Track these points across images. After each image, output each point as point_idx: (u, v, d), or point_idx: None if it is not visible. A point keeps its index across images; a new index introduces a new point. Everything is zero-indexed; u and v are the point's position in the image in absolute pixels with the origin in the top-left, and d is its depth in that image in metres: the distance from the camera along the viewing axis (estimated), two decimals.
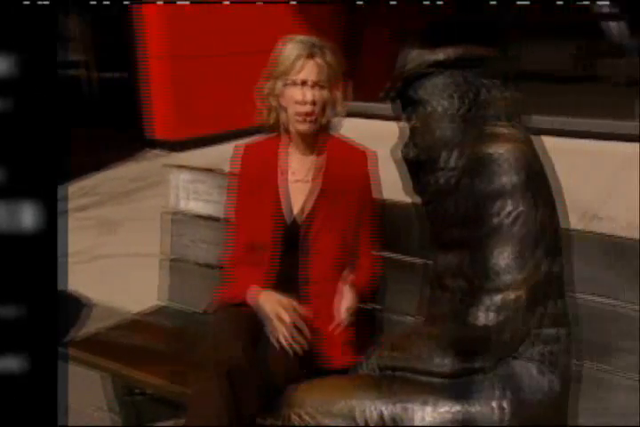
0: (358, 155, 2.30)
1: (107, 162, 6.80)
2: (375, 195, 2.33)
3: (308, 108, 2.16)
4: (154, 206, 5.16)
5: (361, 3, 8.29)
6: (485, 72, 1.85)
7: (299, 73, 2.14)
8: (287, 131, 2.27)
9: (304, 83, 2.15)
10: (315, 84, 2.16)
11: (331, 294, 2.22)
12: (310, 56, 2.15)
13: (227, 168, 2.90)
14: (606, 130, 7.02)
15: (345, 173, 2.24)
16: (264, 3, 7.42)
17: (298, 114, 2.17)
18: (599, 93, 8.12)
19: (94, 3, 7.48)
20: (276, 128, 2.30)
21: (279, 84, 2.19)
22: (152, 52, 7.18)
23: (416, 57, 1.87)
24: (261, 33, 7.38)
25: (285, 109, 2.22)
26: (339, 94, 2.24)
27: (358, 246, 2.29)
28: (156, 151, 7.29)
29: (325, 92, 2.18)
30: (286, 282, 2.26)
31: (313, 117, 2.17)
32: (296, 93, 2.16)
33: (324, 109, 2.20)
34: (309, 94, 2.15)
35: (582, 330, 1.99)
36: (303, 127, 2.19)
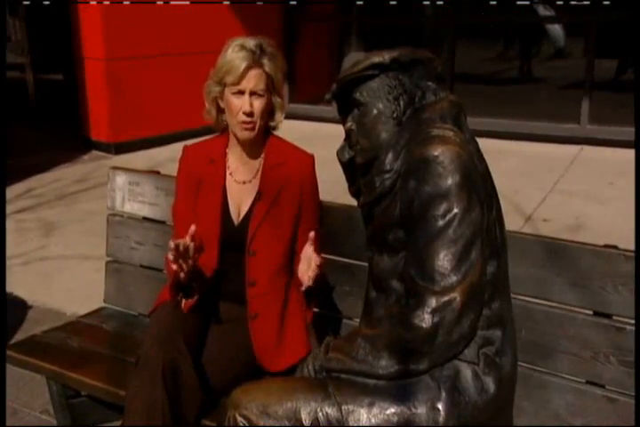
0: (300, 157, 2.29)
1: (48, 164, 6.67)
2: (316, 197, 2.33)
3: (247, 117, 2.14)
4: (96, 208, 5.12)
5: (295, 2, 8.32)
6: (421, 75, 1.86)
7: (239, 82, 2.13)
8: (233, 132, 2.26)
9: (243, 92, 2.14)
10: (254, 93, 2.14)
11: (270, 295, 2.22)
12: (252, 65, 2.12)
13: (168, 170, 2.88)
14: (550, 132, 7.19)
15: (282, 176, 2.23)
16: (200, 3, 7.38)
17: (238, 122, 2.16)
18: (542, 96, 8.30)
19: (27, 3, 7.33)
20: (223, 127, 2.29)
21: (221, 88, 2.18)
22: (87, 53, 7.05)
23: (353, 60, 1.88)
24: (200, 34, 7.36)
25: (227, 113, 2.21)
26: (278, 100, 2.24)
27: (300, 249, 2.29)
28: (99, 153, 7.18)
29: (265, 100, 2.17)
30: (228, 283, 2.25)
31: (252, 126, 2.16)
32: (236, 102, 2.15)
33: (263, 117, 2.19)
34: (248, 104, 2.13)
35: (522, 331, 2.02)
36: (242, 135, 2.18)
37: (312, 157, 2.29)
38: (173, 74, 7.31)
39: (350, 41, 8.70)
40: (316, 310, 2.37)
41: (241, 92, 2.14)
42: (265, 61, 2.15)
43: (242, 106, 2.14)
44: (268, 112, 2.23)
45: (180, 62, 7.31)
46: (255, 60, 2.13)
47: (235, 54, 2.13)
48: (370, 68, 1.82)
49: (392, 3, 7.96)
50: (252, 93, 2.14)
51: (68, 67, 7.60)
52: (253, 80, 2.13)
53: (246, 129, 2.17)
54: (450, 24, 7.76)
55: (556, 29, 8.99)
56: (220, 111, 2.25)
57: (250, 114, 2.14)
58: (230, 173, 2.27)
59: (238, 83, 2.13)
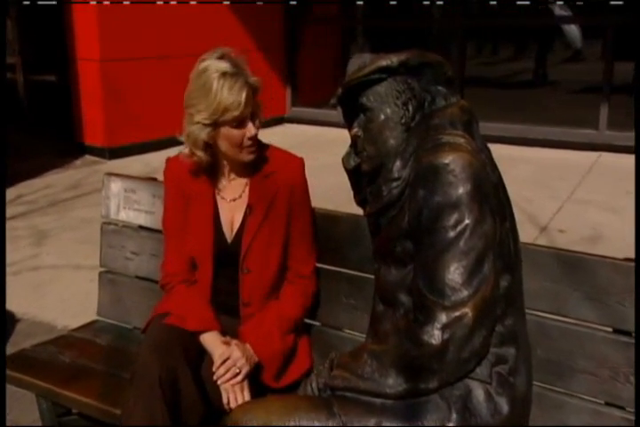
0: (288, 161, 2.26)
1: (39, 169, 6.69)
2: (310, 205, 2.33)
3: (252, 141, 2.12)
4: (90, 216, 5.14)
5: (295, 2, 8.34)
6: (430, 79, 1.86)
7: (242, 111, 2.05)
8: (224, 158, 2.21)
9: (244, 121, 2.08)
10: (252, 115, 2.10)
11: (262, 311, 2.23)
12: (247, 88, 2.04)
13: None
14: (566, 138, 7.17)
15: (272, 185, 2.21)
16: (199, 3, 7.39)
17: (245, 149, 2.13)
18: (558, 100, 8.30)
19: (27, 3, 7.36)
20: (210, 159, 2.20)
21: (213, 128, 2.08)
22: (82, 53, 7.07)
23: (359, 63, 1.88)
24: (199, 35, 7.39)
25: (223, 146, 2.14)
26: (257, 102, 2.14)
27: (295, 260, 2.29)
28: (93, 158, 7.19)
29: (256, 115, 2.13)
30: (224, 297, 2.26)
31: (256, 148, 2.15)
32: (238, 133, 2.09)
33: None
34: (253, 129, 2.10)
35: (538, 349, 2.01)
36: (249, 157, 2.16)
37: (301, 160, 2.27)
38: (171, 76, 7.31)
39: (355, 42, 8.73)
40: (319, 323, 2.37)
41: (242, 122, 2.09)
42: (245, 76, 2.07)
43: (245, 133, 2.10)
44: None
45: (178, 64, 7.30)
46: (247, 82, 2.06)
47: (226, 90, 2.02)
48: (377, 71, 1.83)
49: (392, 3, 7.98)
50: (251, 116, 2.10)
51: (61, 68, 7.62)
52: (248, 103, 2.06)
53: (252, 152, 2.15)
54: (458, 25, 7.77)
55: (572, 30, 8.99)
56: (209, 148, 2.16)
57: (254, 137, 2.11)
58: (219, 193, 2.26)
59: (241, 115, 2.06)
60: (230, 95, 2.03)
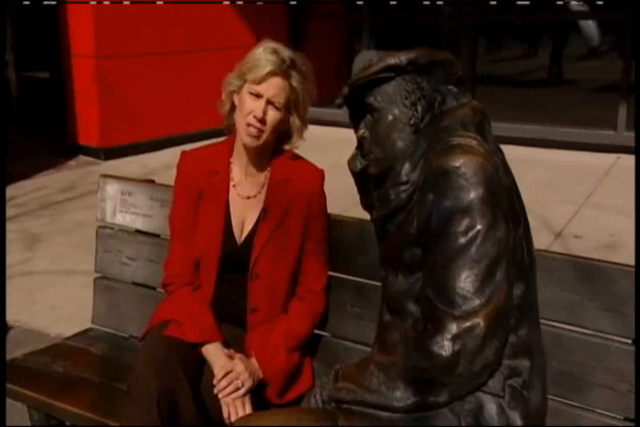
0: (309, 172, 2.29)
1: (31, 170, 6.70)
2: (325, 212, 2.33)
3: (256, 121, 2.14)
4: (85, 219, 5.14)
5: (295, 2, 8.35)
6: (440, 78, 1.86)
7: (260, 83, 2.13)
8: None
9: (261, 97, 2.14)
10: (272, 103, 2.15)
11: (273, 322, 2.23)
12: (277, 72, 2.13)
13: (164, 178, 2.88)
14: (583, 140, 7.14)
15: (290, 192, 2.23)
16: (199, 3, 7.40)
17: (245, 123, 2.16)
18: (574, 99, 8.28)
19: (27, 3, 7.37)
20: (229, 128, 2.30)
21: (241, 83, 2.19)
22: (76, 49, 7.08)
23: (365, 61, 1.89)
24: (199, 30, 7.39)
25: (237, 113, 2.21)
26: (297, 123, 2.23)
27: (306, 275, 2.30)
28: (87, 158, 7.20)
29: (281, 115, 2.17)
30: (227, 305, 2.26)
31: (258, 133, 2.16)
32: (251, 104, 2.15)
33: (274, 131, 2.19)
34: (261, 110, 2.13)
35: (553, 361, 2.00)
36: (245, 140, 2.18)
37: (322, 173, 2.30)
38: (171, 73, 7.33)
39: (361, 39, 8.72)
40: (324, 333, 2.37)
41: (259, 96, 2.15)
42: (293, 74, 2.16)
43: (255, 109, 2.14)
44: (283, 131, 2.23)
45: (178, 61, 7.33)
46: (283, 70, 2.14)
47: (264, 55, 2.15)
48: (385, 70, 1.83)
49: None
50: (270, 102, 2.14)
51: (54, 64, 7.63)
52: (275, 88, 2.14)
53: (251, 135, 2.16)
54: (469, 21, 7.76)
55: (589, 26, 8.99)
56: (233, 109, 2.25)
57: (261, 119, 2.14)
58: (234, 186, 2.28)
59: (259, 83, 2.13)
60: (261, 60, 2.14)
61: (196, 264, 2.29)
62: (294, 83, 2.17)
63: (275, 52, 2.15)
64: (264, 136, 2.17)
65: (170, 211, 2.39)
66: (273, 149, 2.28)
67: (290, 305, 2.29)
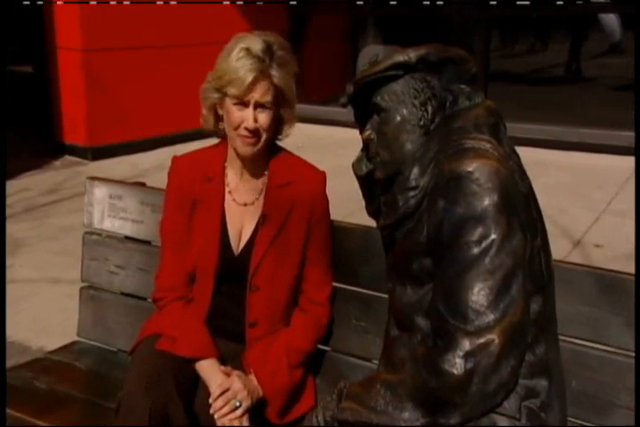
0: (310, 174, 2.28)
1: (14, 170, 6.69)
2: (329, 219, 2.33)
3: (249, 132, 2.13)
4: (71, 224, 5.14)
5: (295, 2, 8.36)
6: (452, 76, 1.86)
7: (244, 96, 2.10)
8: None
9: (247, 104, 2.12)
10: (260, 106, 2.12)
11: (273, 337, 2.23)
12: (259, 77, 2.09)
13: (155, 180, 2.88)
14: (603, 141, 7.12)
15: (290, 196, 2.23)
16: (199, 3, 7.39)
17: (238, 135, 2.15)
18: (594, 99, 8.26)
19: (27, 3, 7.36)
20: (223, 135, 2.28)
21: (221, 96, 2.16)
22: (62, 42, 7.07)
23: (371, 57, 1.89)
24: (192, 23, 7.39)
25: (226, 122, 2.19)
26: (288, 111, 2.22)
27: (309, 283, 2.30)
28: (73, 159, 7.20)
29: (272, 113, 2.15)
30: (224, 319, 2.25)
31: (254, 140, 2.15)
32: (238, 115, 2.12)
33: (269, 130, 2.17)
34: (252, 119, 2.11)
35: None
36: (243, 150, 2.17)
37: (323, 175, 2.29)
38: (163, 68, 7.33)
39: (365, 33, 8.73)
40: (326, 348, 2.37)
41: (244, 104, 2.12)
42: (274, 72, 2.12)
43: (244, 120, 2.12)
44: (276, 125, 2.22)
45: (169, 55, 7.34)
46: (263, 71, 2.10)
47: (239, 62, 2.09)
48: (393, 68, 1.83)
49: None
50: (258, 106, 2.12)
51: (38, 57, 7.62)
52: (260, 91, 2.10)
53: (248, 144, 2.15)
54: (482, 14, 7.75)
55: (611, 20, 8.99)
56: (219, 119, 2.23)
57: (254, 127, 2.12)
58: (229, 192, 2.27)
59: (242, 96, 2.10)
60: (239, 70, 2.09)
61: (190, 277, 2.28)
62: (276, 80, 2.13)
63: (248, 52, 2.10)
64: (261, 140, 2.16)
65: (161, 219, 2.38)
66: (269, 148, 2.26)
67: (292, 317, 2.29)
